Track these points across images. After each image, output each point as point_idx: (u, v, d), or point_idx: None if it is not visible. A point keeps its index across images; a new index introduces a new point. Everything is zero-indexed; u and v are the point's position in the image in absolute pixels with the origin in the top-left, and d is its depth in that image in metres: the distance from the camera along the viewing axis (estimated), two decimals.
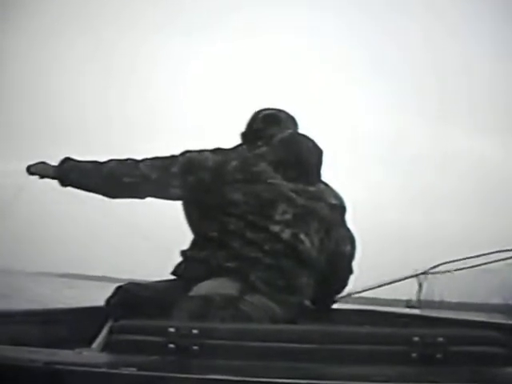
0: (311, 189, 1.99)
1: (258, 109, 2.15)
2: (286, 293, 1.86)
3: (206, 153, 1.96)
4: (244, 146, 2.03)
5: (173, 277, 1.97)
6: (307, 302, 1.98)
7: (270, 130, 2.05)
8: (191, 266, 1.88)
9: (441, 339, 1.10)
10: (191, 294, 1.76)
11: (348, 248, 2.14)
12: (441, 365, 1.08)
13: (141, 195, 1.99)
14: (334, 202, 2.06)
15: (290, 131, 2.06)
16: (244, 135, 2.11)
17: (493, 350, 1.12)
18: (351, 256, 2.18)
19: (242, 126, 2.15)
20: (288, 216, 1.90)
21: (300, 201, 1.94)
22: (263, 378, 0.97)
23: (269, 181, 1.91)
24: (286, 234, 1.88)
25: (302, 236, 1.92)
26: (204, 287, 1.76)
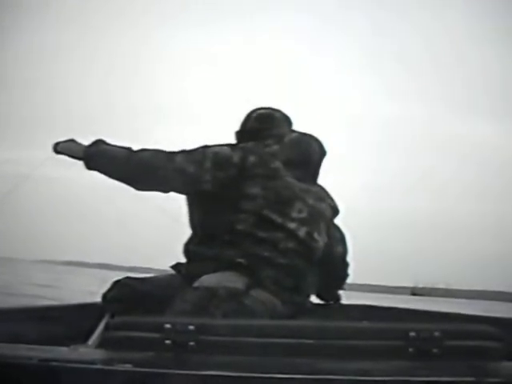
0: (313, 189, 2.02)
1: (252, 108, 2.14)
2: (293, 292, 1.87)
3: (225, 148, 1.94)
4: (252, 144, 2.00)
5: (171, 271, 1.97)
6: (309, 300, 1.99)
7: (271, 128, 2.04)
8: (199, 263, 1.86)
9: (437, 334, 1.10)
10: (195, 285, 1.74)
11: (340, 249, 2.19)
12: (437, 359, 1.08)
13: (168, 188, 1.93)
14: (331, 203, 2.10)
15: (299, 131, 2.08)
16: (238, 134, 2.11)
17: (488, 344, 1.13)
18: (344, 254, 2.22)
19: (238, 120, 2.14)
20: (303, 214, 1.92)
21: (310, 200, 1.96)
22: (260, 373, 0.97)
23: (285, 178, 1.93)
24: (302, 232, 1.90)
25: (316, 235, 1.94)
26: (209, 279, 1.75)
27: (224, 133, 2.11)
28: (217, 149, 1.92)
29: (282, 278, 1.84)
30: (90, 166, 1.92)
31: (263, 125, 2.05)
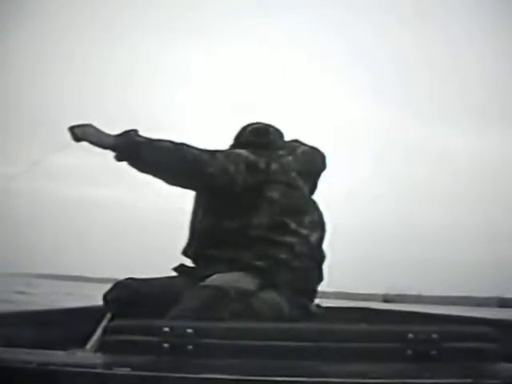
0: (315, 202, 2.07)
1: (246, 123, 2.14)
2: (303, 296, 1.90)
3: (250, 153, 1.93)
4: (269, 152, 2.00)
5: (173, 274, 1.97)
6: (314, 304, 2.00)
7: (268, 142, 2.04)
8: (212, 266, 1.85)
9: (435, 336, 1.10)
10: (204, 283, 1.74)
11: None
12: (435, 361, 1.08)
13: (207, 186, 1.91)
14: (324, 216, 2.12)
15: (308, 144, 2.11)
16: (233, 147, 2.10)
17: (486, 346, 1.13)
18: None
19: (234, 130, 2.15)
20: (313, 224, 1.96)
21: (317, 211, 2.01)
22: (258, 376, 0.97)
23: (301, 188, 1.98)
24: (313, 238, 1.94)
25: (322, 243, 1.99)
26: (219, 279, 1.75)
27: (218, 143, 2.11)
28: (246, 153, 1.93)
29: (297, 282, 1.86)
30: (125, 157, 1.80)
31: (259, 138, 2.06)
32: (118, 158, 1.81)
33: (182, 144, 1.86)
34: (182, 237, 2.05)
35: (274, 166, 1.93)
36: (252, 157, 1.92)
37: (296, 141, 2.11)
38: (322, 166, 2.11)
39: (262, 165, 1.91)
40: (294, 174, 1.96)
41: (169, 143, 1.84)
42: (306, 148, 2.08)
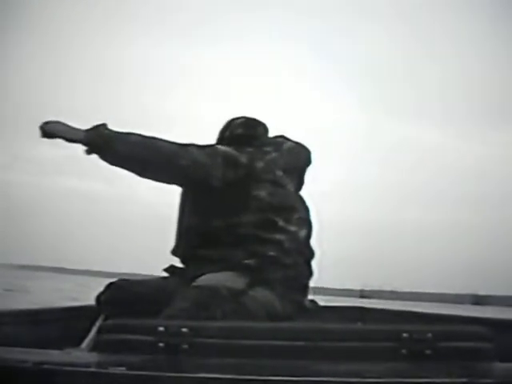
0: (302, 198, 2.07)
1: (230, 118, 2.14)
2: (296, 292, 1.90)
3: (231, 148, 1.93)
4: (253, 149, 1.99)
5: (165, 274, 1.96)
6: (307, 300, 2.01)
7: (255, 136, 2.05)
8: (203, 266, 1.85)
9: (429, 335, 1.11)
10: (195, 284, 1.74)
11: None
12: (430, 360, 1.09)
13: (183, 180, 1.92)
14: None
15: (293, 140, 2.10)
16: (219, 142, 2.09)
17: (480, 345, 1.14)
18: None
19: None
20: (301, 220, 1.97)
21: (304, 209, 2.01)
22: (254, 376, 0.97)
23: (288, 187, 1.98)
24: (302, 234, 1.95)
25: (309, 238, 1.99)
26: (209, 279, 1.76)
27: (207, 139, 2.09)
28: (224, 148, 1.93)
29: (288, 278, 1.86)
30: (96, 151, 1.82)
31: (245, 131, 2.06)
32: (89, 152, 1.83)
33: (153, 137, 1.86)
34: (172, 234, 2.06)
35: (259, 163, 1.93)
36: (232, 151, 1.91)
37: (281, 136, 2.10)
38: (308, 162, 2.11)
39: (242, 159, 1.90)
40: (279, 172, 1.96)
41: (139, 136, 1.85)
42: (292, 144, 2.07)
